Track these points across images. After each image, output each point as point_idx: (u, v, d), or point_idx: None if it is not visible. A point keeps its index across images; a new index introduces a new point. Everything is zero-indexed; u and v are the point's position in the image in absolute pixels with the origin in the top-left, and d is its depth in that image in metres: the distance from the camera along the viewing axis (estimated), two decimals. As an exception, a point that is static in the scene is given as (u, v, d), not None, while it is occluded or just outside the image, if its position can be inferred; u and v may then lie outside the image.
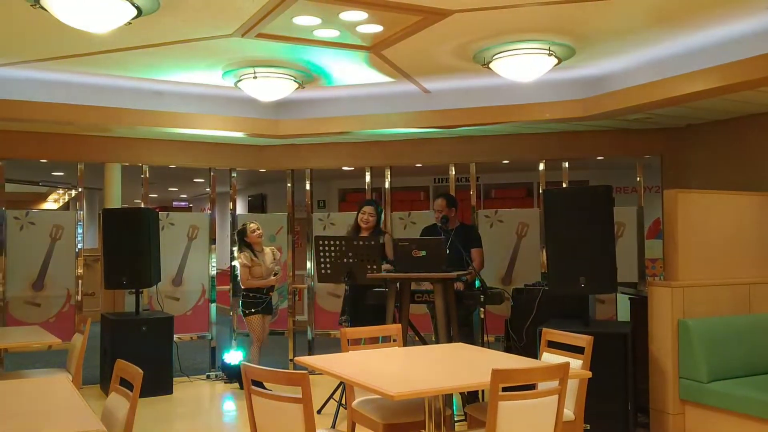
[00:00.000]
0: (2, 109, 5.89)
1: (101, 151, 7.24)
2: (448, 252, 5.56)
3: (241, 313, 6.69)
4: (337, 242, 5.50)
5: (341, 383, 5.29)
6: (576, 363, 3.58)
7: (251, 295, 6.53)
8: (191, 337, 7.56)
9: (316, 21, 4.45)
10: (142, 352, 5.96)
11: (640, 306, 5.59)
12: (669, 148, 6.93)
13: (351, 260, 5.41)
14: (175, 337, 6.91)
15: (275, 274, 6.67)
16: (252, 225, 6.63)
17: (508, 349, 6.07)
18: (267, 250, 6.75)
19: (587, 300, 5.40)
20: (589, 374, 3.44)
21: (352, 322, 5.41)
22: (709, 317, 5.04)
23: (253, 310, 6.52)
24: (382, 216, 6.18)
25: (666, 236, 5.28)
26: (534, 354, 4.60)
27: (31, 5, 3.87)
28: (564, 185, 7.25)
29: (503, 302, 5.78)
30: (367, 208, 6.07)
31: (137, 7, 3.95)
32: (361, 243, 5.48)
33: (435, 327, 5.46)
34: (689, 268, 5.13)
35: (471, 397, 5.14)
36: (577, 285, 5.07)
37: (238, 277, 6.64)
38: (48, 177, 14.36)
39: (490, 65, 5.16)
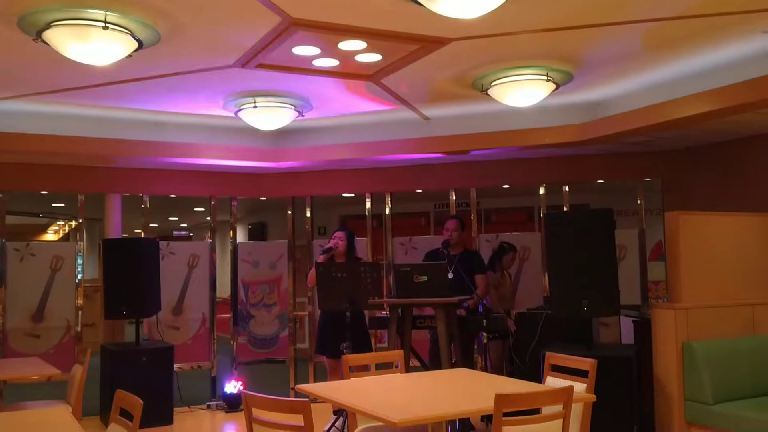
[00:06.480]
0: (2, 142, 5.90)
1: (102, 181, 7.26)
2: (451, 277, 5.53)
3: None
4: (338, 268, 5.48)
5: (343, 411, 5.24)
6: (580, 387, 3.54)
7: None
8: (192, 367, 7.50)
9: (316, 51, 4.49)
10: (142, 382, 5.91)
11: (643, 329, 5.56)
12: (669, 170, 6.95)
13: (352, 285, 5.35)
14: (176, 366, 6.86)
15: None
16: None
17: (511, 374, 6.02)
18: None
19: (590, 323, 5.37)
20: (594, 398, 3.41)
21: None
22: (714, 339, 5.01)
23: None
24: (355, 242, 6.14)
25: (668, 258, 5.26)
26: (538, 378, 4.56)
27: (33, 39, 3.90)
28: (565, 209, 7.26)
29: (507, 331, 5.77)
30: (338, 233, 6.07)
31: (138, 40, 3.99)
32: (362, 268, 5.44)
33: (436, 352, 5.42)
34: (692, 290, 5.11)
35: (465, 427, 5.11)
36: (579, 308, 5.05)
37: None
38: (48, 208, 14.37)
39: (489, 92, 5.19)
